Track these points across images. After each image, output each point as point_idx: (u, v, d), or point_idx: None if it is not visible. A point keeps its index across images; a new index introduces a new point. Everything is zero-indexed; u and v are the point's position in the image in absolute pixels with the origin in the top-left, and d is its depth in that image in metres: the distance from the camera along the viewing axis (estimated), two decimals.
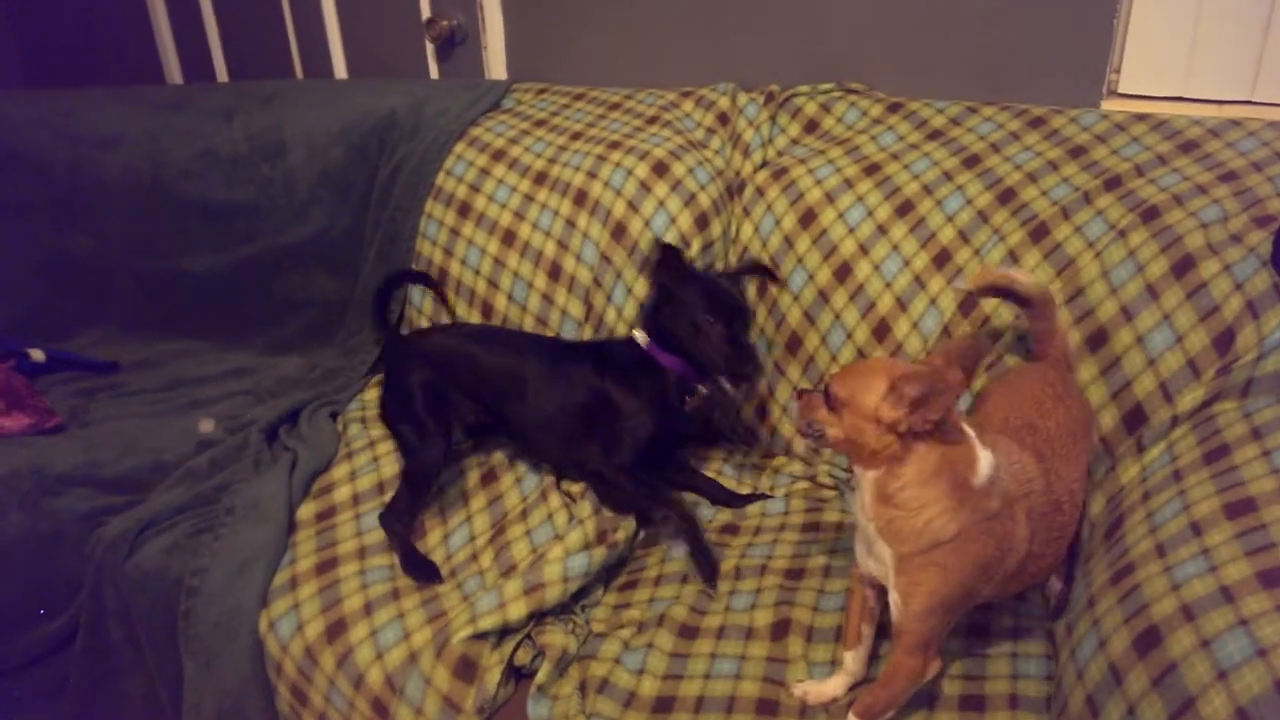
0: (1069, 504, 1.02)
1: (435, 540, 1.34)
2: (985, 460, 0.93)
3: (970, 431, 0.94)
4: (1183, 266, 1.17)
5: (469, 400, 1.46)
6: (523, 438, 1.48)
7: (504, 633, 1.14)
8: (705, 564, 1.23)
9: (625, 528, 1.30)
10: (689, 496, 1.41)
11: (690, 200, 1.56)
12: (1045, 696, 1.00)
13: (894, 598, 0.94)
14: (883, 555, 0.95)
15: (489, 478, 1.45)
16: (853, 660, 1.04)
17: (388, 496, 1.41)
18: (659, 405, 1.38)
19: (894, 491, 0.92)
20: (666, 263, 1.34)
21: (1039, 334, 1.20)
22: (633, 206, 1.57)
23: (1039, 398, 1.09)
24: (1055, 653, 1.04)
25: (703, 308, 1.31)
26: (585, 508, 1.32)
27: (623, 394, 1.38)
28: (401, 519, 1.33)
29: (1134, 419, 1.16)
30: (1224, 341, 1.10)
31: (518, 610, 1.14)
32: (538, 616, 1.17)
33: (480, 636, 1.12)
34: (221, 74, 2.43)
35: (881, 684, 0.96)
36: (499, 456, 1.50)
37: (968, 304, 1.33)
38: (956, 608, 0.95)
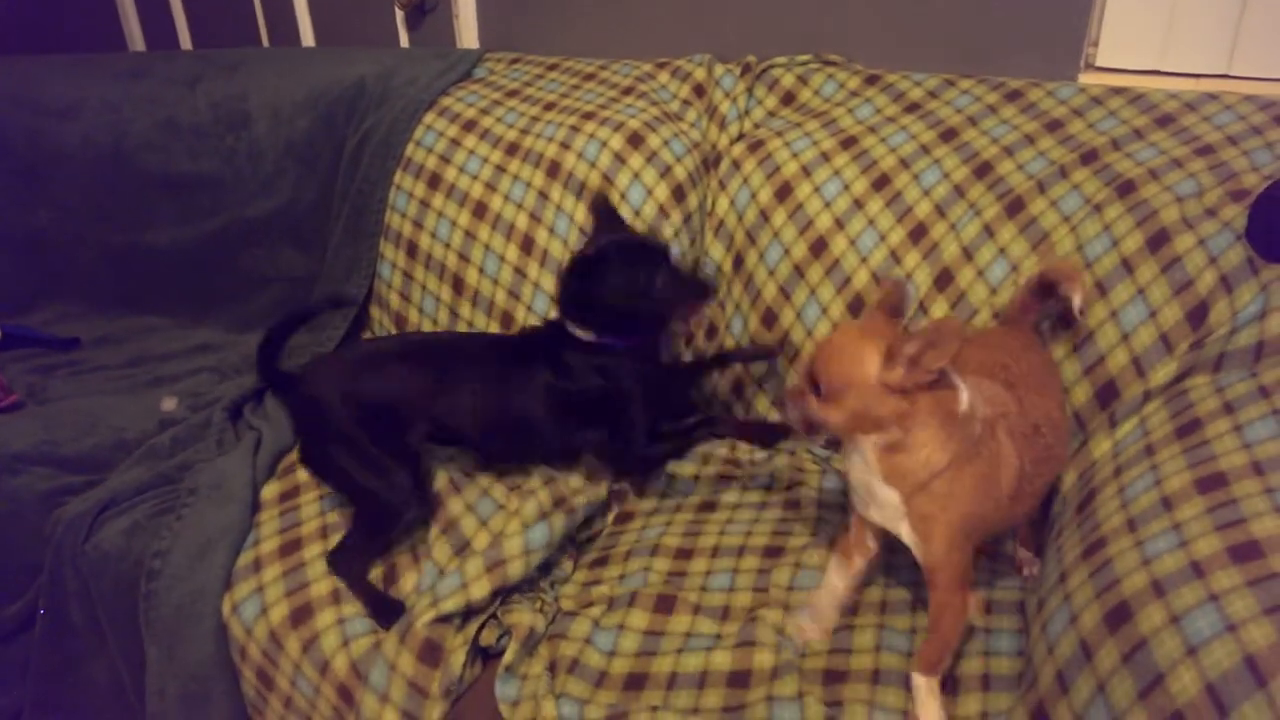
0: (1048, 429, 1.04)
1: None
2: (964, 391, 0.94)
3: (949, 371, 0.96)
4: (1158, 241, 1.16)
5: (417, 419, 1.28)
6: (487, 448, 1.35)
7: (468, 614, 1.12)
8: (767, 432, 1.19)
9: (584, 492, 1.28)
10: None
11: (666, 172, 1.54)
12: (1017, 674, 1.00)
13: (912, 539, 0.97)
14: (888, 499, 0.96)
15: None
16: (836, 570, 1.07)
17: None
18: (639, 379, 1.30)
19: (898, 442, 0.93)
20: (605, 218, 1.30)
21: (1026, 307, 1.19)
22: (608, 179, 1.54)
23: (1009, 347, 1.12)
24: (1026, 627, 1.04)
25: (631, 270, 1.23)
26: (534, 480, 1.30)
27: (601, 382, 1.28)
28: (354, 563, 1.20)
29: (1106, 394, 1.15)
30: (1197, 316, 1.10)
31: (480, 589, 1.12)
32: (503, 595, 1.15)
33: (444, 619, 1.10)
34: (185, 41, 2.36)
35: (932, 630, 0.97)
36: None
37: (942, 279, 1.32)
38: (973, 533, 0.97)
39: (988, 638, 1.04)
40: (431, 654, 1.08)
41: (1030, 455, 1.00)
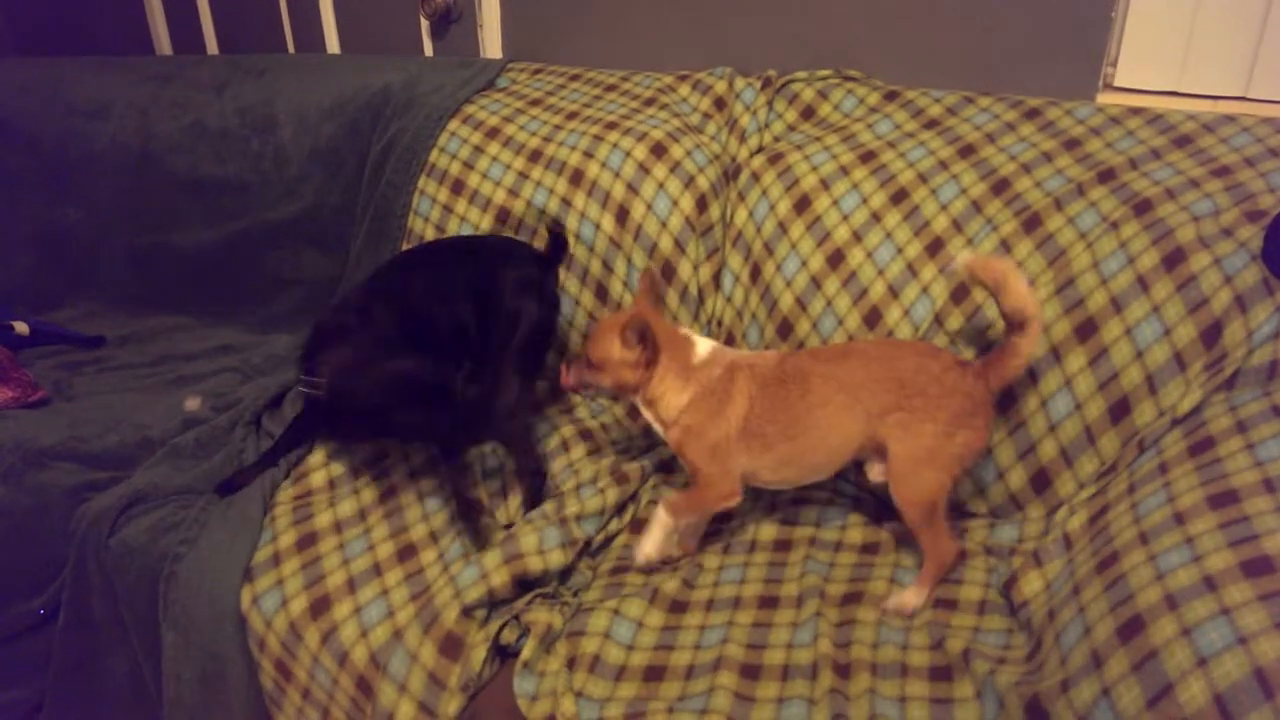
0: (802, 398, 1.17)
1: (409, 500, 1.35)
2: (703, 346, 1.22)
3: (691, 334, 1.23)
4: (1173, 259, 1.17)
5: None
6: None
7: (490, 611, 1.14)
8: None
9: (585, 505, 1.29)
10: None
11: (690, 183, 1.56)
12: (999, 659, 1.02)
13: (680, 455, 1.23)
14: (667, 436, 1.24)
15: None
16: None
17: (359, 481, 1.42)
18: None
19: (652, 397, 1.21)
20: None
21: (999, 352, 1.15)
22: (632, 189, 1.57)
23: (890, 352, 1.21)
24: (1013, 626, 1.08)
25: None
26: (548, 504, 1.32)
27: None
28: None
29: (1119, 410, 1.17)
30: (1211, 335, 1.11)
31: (500, 578, 1.15)
32: (528, 591, 1.18)
33: (467, 614, 1.12)
34: (212, 46, 2.40)
35: (688, 493, 1.22)
36: None
37: (959, 292, 1.33)
38: (726, 452, 1.19)
39: (976, 635, 1.07)
40: (453, 647, 1.10)
41: (767, 409, 1.17)
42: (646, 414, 1.25)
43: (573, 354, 1.31)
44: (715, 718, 0.97)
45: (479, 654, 1.09)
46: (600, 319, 1.37)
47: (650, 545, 1.20)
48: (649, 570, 1.24)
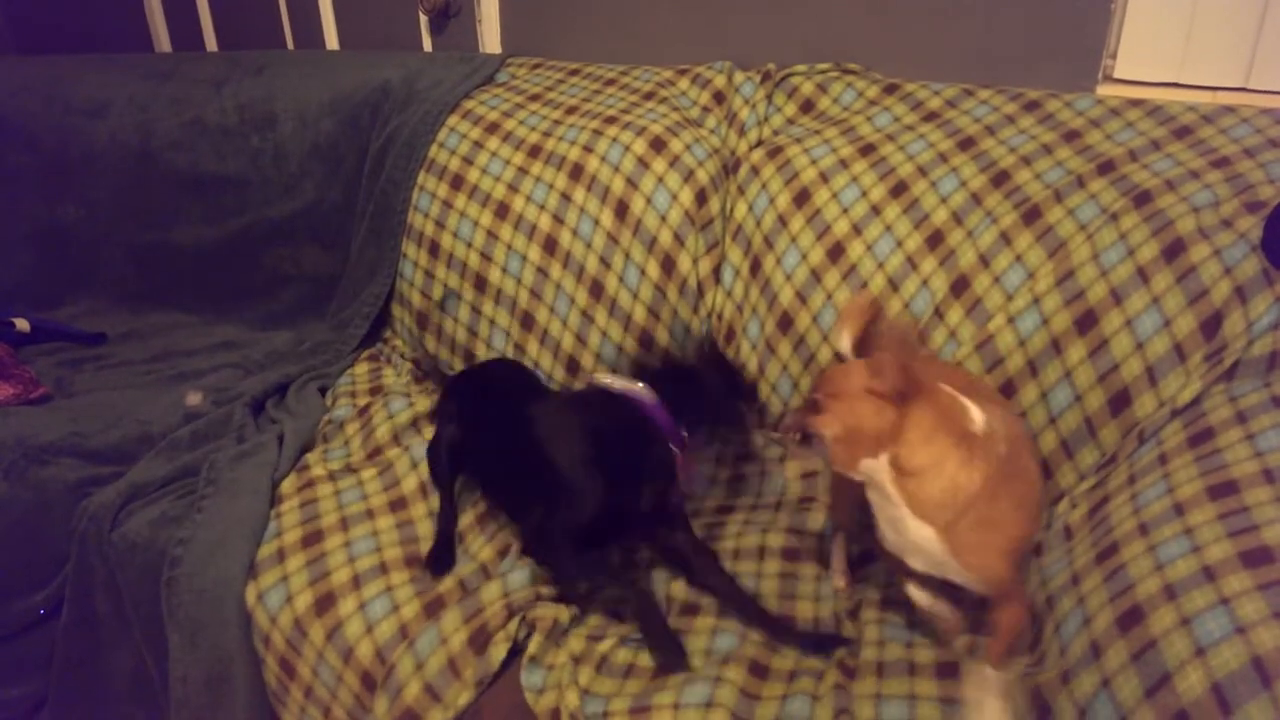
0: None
1: (415, 499, 1.36)
2: (974, 409, 0.91)
3: (951, 390, 0.93)
4: (1173, 251, 1.17)
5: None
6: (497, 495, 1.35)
7: (511, 611, 1.14)
8: (664, 650, 1.07)
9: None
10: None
11: (689, 177, 1.56)
12: None
13: (965, 576, 0.92)
14: (924, 537, 0.91)
15: None
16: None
17: (364, 473, 1.42)
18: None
19: (907, 460, 0.89)
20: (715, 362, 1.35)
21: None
22: (632, 183, 1.57)
23: (948, 368, 1.19)
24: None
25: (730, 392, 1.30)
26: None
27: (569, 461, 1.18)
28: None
29: (1120, 402, 1.17)
30: (1211, 326, 1.11)
31: (551, 591, 1.16)
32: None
33: (510, 614, 1.12)
34: (211, 43, 2.40)
35: (1006, 636, 0.93)
36: None
37: (959, 285, 1.33)
38: (1023, 557, 0.93)
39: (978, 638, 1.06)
40: (481, 642, 1.10)
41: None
42: (898, 500, 0.91)
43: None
44: (719, 711, 0.97)
45: (499, 652, 1.09)
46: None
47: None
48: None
